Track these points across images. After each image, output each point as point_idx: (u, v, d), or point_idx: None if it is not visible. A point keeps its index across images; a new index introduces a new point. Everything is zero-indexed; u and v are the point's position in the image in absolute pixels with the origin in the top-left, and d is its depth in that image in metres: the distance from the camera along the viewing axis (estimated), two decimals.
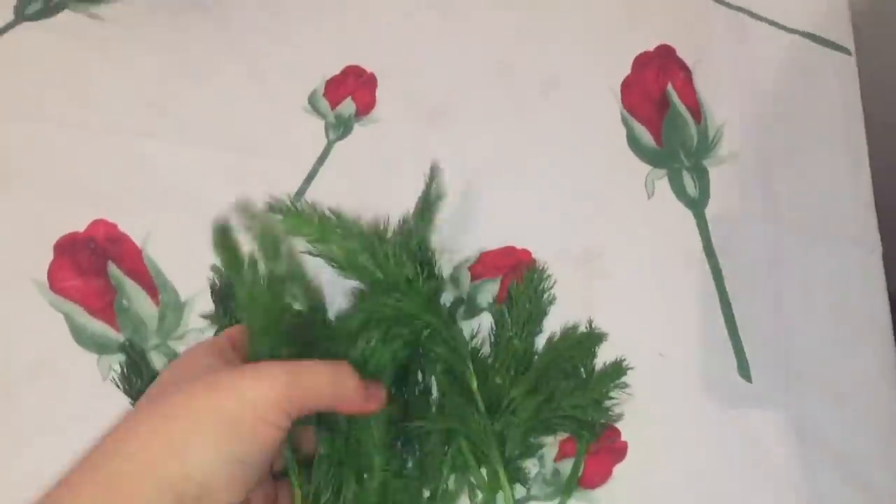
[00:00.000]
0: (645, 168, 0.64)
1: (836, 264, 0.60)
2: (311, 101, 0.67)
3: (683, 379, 0.57)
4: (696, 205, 0.63)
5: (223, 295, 0.57)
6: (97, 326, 0.58)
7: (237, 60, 0.68)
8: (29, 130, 0.65)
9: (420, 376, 0.54)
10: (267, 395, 0.39)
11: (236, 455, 0.38)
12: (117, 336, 0.58)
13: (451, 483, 0.52)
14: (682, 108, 0.66)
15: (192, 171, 0.64)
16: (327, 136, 0.65)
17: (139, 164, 0.64)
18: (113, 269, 0.60)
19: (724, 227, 0.62)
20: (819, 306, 0.59)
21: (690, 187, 0.63)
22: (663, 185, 0.64)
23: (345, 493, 0.48)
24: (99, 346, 0.57)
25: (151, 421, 0.39)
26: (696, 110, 0.66)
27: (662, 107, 0.66)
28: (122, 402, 0.54)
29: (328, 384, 0.43)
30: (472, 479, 0.52)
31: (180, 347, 0.57)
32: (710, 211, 0.62)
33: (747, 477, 0.55)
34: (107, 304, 0.59)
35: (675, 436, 0.56)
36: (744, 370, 0.57)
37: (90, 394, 0.56)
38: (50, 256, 0.60)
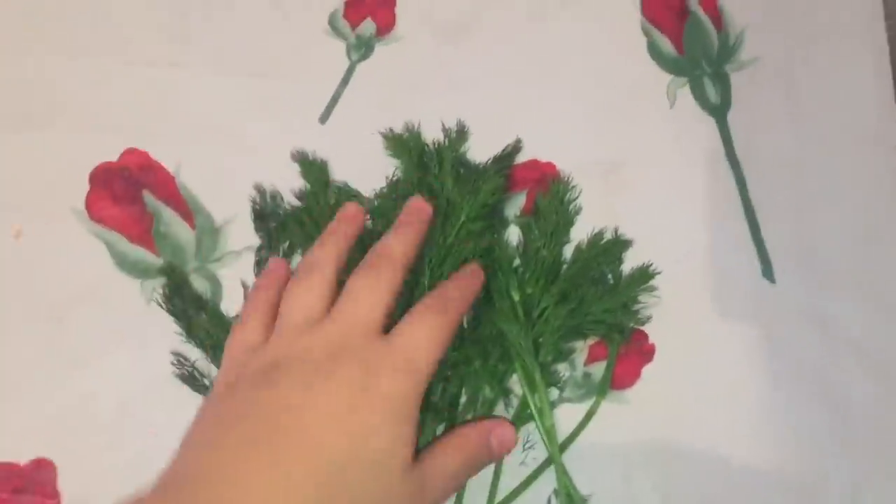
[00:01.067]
0: (666, 77, 0.65)
1: (860, 164, 0.61)
2: (332, 22, 0.67)
3: (708, 282, 0.59)
4: (719, 111, 0.63)
5: (264, 215, 0.59)
6: (137, 252, 0.60)
7: None
8: (56, 63, 0.65)
9: None
10: None
11: None
12: (157, 260, 0.60)
13: (488, 392, 0.55)
14: (703, 15, 0.66)
15: (218, 99, 0.64)
16: (349, 57, 0.66)
17: (166, 94, 0.64)
18: (148, 196, 0.61)
19: (747, 132, 0.62)
20: (843, 207, 0.60)
21: (712, 94, 0.64)
22: (685, 93, 0.64)
23: None
24: (141, 272, 0.59)
25: None
26: (717, 16, 0.66)
27: (683, 14, 0.66)
28: (166, 323, 0.57)
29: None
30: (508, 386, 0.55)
31: (219, 270, 0.59)
32: (733, 117, 0.63)
33: (772, 375, 0.57)
34: (145, 231, 0.60)
35: (701, 337, 0.58)
36: (768, 272, 0.59)
37: (135, 317, 0.58)
38: (86, 186, 0.61)
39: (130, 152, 0.62)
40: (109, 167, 0.62)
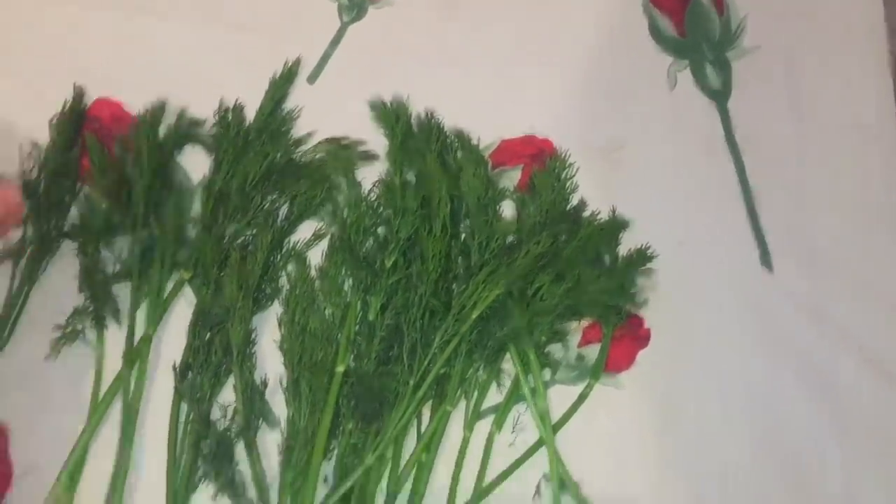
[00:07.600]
0: (667, 59, 0.63)
1: (858, 155, 0.60)
2: None
3: (706, 268, 0.57)
4: (720, 97, 0.62)
5: None
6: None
7: None
8: (26, 8, 0.61)
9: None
10: None
11: None
12: None
13: (481, 372, 0.52)
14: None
15: (200, 51, 0.61)
16: (341, 17, 0.63)
17: (143, 43, 0.61)
18: (119, 149, 0.57)
19: (747, 119, 0.61)
20: (841, 197, 0.59)
21: (713, 79, 0.62)
22: (686, 76, 0.63)
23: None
24: None
25: None
26: (720, 1, 0.65)
27: None
28: None
29: None
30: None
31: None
32: (734, 103, 0.62)
33: (768, 363, 0.55)
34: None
35: (698, 323, 0.56)
36: (766, 260, 0.57)
37: None
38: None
39: (101, 102, 0.58)
40: None
